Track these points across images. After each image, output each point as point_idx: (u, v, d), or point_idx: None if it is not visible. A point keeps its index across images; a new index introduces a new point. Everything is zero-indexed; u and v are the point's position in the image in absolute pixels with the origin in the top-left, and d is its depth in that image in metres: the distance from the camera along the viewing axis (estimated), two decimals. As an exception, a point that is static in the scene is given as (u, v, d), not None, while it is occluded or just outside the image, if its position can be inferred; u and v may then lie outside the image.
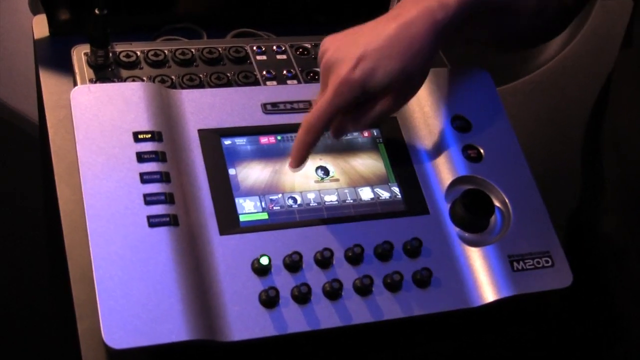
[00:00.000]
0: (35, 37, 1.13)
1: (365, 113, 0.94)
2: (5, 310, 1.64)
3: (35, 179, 1.41)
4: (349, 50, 0.91)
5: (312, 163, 0.97)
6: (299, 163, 0.95)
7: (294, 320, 0.87)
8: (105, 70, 1.03)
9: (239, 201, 0.93)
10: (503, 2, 0.97)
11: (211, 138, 0.95)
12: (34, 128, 1.47)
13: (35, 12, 1.17)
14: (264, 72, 1.08)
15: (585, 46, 1.72)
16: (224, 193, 0.92)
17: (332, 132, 0.95)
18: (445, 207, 0.97)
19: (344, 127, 0.95)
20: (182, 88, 1.03)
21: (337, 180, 0.97)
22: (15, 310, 1.64)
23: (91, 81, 1.02)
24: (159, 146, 0.91)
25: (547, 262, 0.95)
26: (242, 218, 0.92)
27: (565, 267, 0.96)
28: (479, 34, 1.01)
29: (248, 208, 0.93)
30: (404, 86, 0.93)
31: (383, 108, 0.93)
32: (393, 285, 0.90)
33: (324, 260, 0.90)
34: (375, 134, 1.02)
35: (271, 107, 0.99)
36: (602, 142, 1.04)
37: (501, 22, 0.99)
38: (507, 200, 0.98)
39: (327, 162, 0.98)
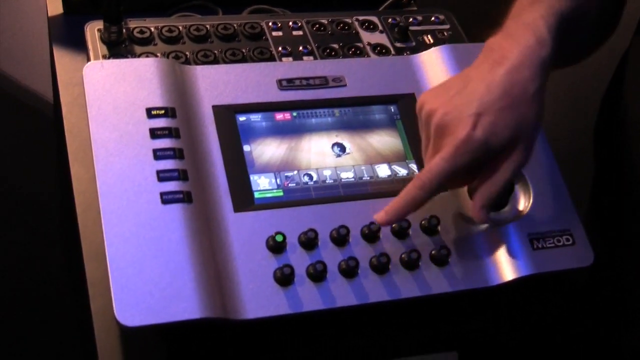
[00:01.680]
0: (49, 15, 1.12)
1: (497, 170, 0.88)
2: (19, 290, 1.64)
3: (50, 158, 1.41)
4: (463, 107, 0.86)
5: (328, 140, 0.96)
6: (393, 220, 0.89)
7: (309, 298, 0.86)
8: (119, 47, 1.02)
9: (254, 178, 0.92)
10: (577, 12, 0.93)
11: (226, 114, 0.94)
12: (49, 107, 1.47)
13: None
14: (280, 48, 1.07)
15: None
16: (239, 170, 0.91)
17: (476, 213, 0.89)
18: (463, 184, 0.95)
19: (485, 196, 0.88)
20: (197, 64, 1.02)
21: (353, 157, 0.96)
22: (29, 290, 1.64)
23: (105, 57, 1.01)
24: (173, 122, 0.90)
25: (567, 240, 0.94)
26: (256, 195, 0.91)
27: (586, 246, 0.94)
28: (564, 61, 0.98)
29: (263, 185, 0.92)
30: (526, 137, 0.88)
31: (516, 162, 0.87)
32: (410, 263, 0.89)
33: (340, 238, 0.89)
34: (392, 110, 1.00)
35: (287, 83, 0.98)
36: (618, 122, 1.03)
37: (572, 37, 0.95)
38: (526, 178, 0.96)
39: (343, 138, 0.97)
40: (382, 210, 0.88)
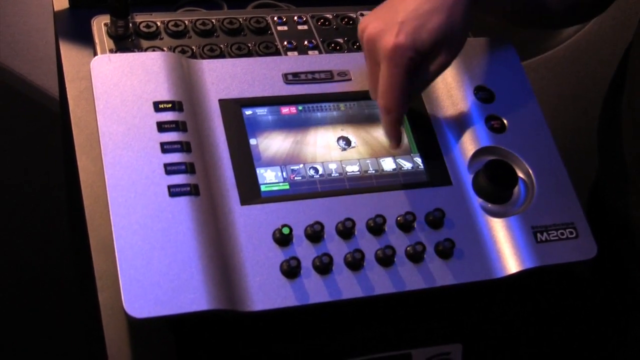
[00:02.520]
0: (55, 10, 1.13)
1: (424, 72, 0.93)
2: (26, 283, 1.65)
3: (56, 153, 1.42)
4: (388, 19, 0.91)
5: (333, 134, 0.97)
6: (397, 141, 0.95)
7: (315, 290, 0.86)
8: (126, 41, 1.03)
9: (260, 171, 0.92)
10: None
11: (232, 108, 0.95)
12: (54, 103, 1.48)
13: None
14: (285, 43, 1.07)
15: (609, 21, 1.70)
16: (245, 163, 0.92)
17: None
18: (468, 178, 0.96)
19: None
20: (203, 58, 1.02)
21: (358, 150, 0.97)
22: (36, 283, 1.65)
23: (111, 51, 1.02)
24: (180, 116, 0.91)
25: (571, 233, 0.95)
26: (263, 188, 0.91)
27: (590, 239, 0.95)
28: (514, 4, 1.00)
29: (269, 178, 0.92)
30: (450, 39, 0.92)
31: (440, 63, 0.93)
32: (415, 256, 0.90)
33: (346, 231, 0.89)
34: (397, 104, 1.00)
35: (292, 77, 0.99)
36: (620, 117, 1.03)
37: None
38: (530, 171, 0.97)
39: (348, 132, 0.98)
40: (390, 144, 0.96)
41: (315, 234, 0.89)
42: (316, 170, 0.94)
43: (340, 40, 1.09)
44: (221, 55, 1.04)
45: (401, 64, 0.90)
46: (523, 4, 1.02)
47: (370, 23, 0.92)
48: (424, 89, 0.97)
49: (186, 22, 1.06)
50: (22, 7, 1.58)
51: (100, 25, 1.04)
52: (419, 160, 0.97)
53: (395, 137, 0.95)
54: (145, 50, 1.02)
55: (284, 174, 0.93)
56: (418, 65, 0.91)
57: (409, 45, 0.89)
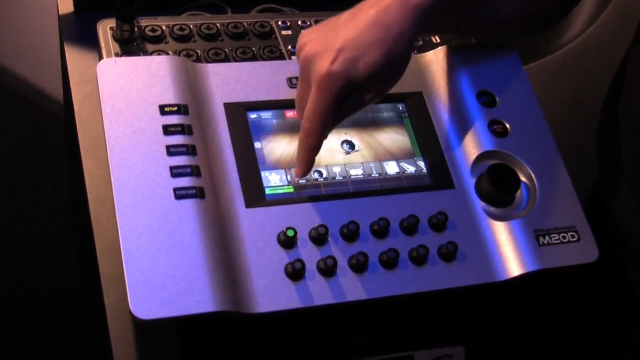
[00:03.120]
0: (60, 13, 1.14)
1: (354, 101, 0.91)
2: (31, 285, 1.65)
3: (59, 156, 1.42)
4: (327, 42, 0.89)
5: (337, 137, 0.98)
6: (305, 172, 0.92)
7: (319, 292, 0.87)
8: (131, 45, 1.04)
9: (265, 174, 0.93)
10: None
11: (237, 111, 0.95)
12: (57, 106, 1.48)
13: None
14: (289, 47, 1.08)
15: (609, 25, 1.71)
16: (250, 166, 0.93)
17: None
18: (470, 181, 0.97)
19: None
20: (208, 62, 1.03)
21: (362, 154, 0.97)
22: (41, 285, 1.65)
23: (117, 55, 1.02)
24: (185, 119, 0.92)
25: (573, 236, 0.95)
26: (267, 191, 0.92)
27: (591, 242, 0.96)
28: (466, 20, 1.00)
29: (274, 181, 0.93)
30: (387, 73, 0.91)
31: (372, 96, 0.91)
32: (418, 258, 0.91)
33: (350, 234, 0.90)
34: (400, 108, 1.01)
35: (297, 81, 0.98)
36: (619, 122, 1.04)
37: (492, 7, 0.98)
38: (532, 175, 0.98)
39: (352, 136, 0.98)
40: (296, 168, 0.92)
41: (319, 237, 0.89)
42: (320, 174, 0.95)
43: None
44: (226, 59, 1.05)
45: (331, 91, 0.87)
46: (474, 20, 1.00)
47: (309, 42, 0.90)
48: (349, 116, 0.93)
49: (191, 26, 1.07)
50: (26, 9, 1.58)
51: (105, 29, 1.04)
52: (422, 163, 0.98)
53: (306, 163, 0.92)
54: (151, 54, 1.03)
55: (288, 177, 0.94)
56: (349, 94, 0.90)
57: (342, 75, 0.87)
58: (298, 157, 0.92)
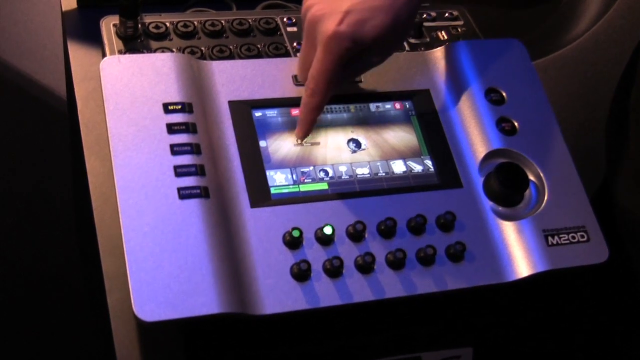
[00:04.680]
0: (63, 9, 1.13)
1: (357, 67, 0.94)
2: (34, 285, 1.65)
3: (62, 153, 1.42)
4: (334, 5, 0.89)
5: (343, 135, 0.97)
6: (306, 133, 0.94)
7: (326, 294, 0.86)
8: (135, 42, 1.03)
9: (270, 173, 0.92)
10: None
11: (242, 110, 0.95)
12: (61, 103, 1.48)
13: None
14: (295, 44, 1.07)
15: (618, 20, 1.70)
16: (255, 165, 0.92)
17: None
18: (479, 180, 0.96)
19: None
20: (212, 59, 1.02)
21: (369, 152, 0.96)
22: (45, 285, 1.65)
23: (120, 52, 1.02)
24: (190, 117, 0.91)
25: (582, 236, 0.94)
26: (273, 190, 0.91)
27: (601, 242, 0.95)
28: None
29: (279, 180, 0.92)
30: (393, 37, 0.92)
31: (376, 59, 0.94)
32: (426, 259, 0.90)
33: (356, 234, 0.89)
34: (407, 106, 1.01)
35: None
36: (628, 117, 1.03)
37: None
38: (541, 174, 0.97)
39: (359, 134, 0.97)
40: (297, 129, 0.94)
41: (325, 237, 0.88)
42: (326, 173, 0.94)
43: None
44: (230, 57, 1.04)
45: (337, 52, 0.89)
46: None
47: (316, 4, 0.91)
48: (353, 79, 0.98)
49: (195, 22, 1.06)
50: (29, 5, 1.58)
51: (109, 25, 1.04)
52: (429, 162, 0.97)
53: (308, 123, 0.93)
54: (155, 51, 1.02)
55: (294, 176, 0.93)
56: (353, 56, 0.91)
57: (349, 36, 0.88)
58: (300, 117, 0.93)
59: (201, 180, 0.88)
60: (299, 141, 0.95)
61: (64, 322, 1.62)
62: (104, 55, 1.03)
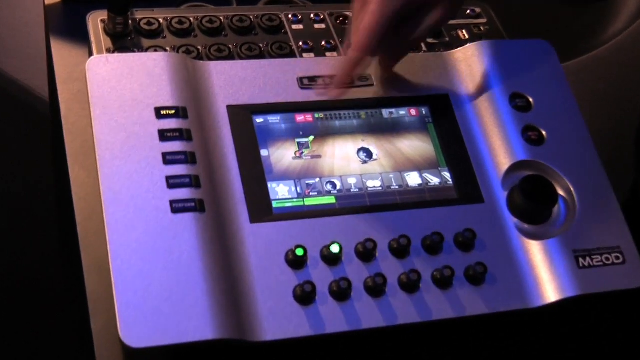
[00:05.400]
0: (47, 3, 1.13)
1: (415, 26, 0.95)
2: (16, 303, 1.65)
3: (47, 158, 1.42)
4: None
5: (353, 144, 0.97)
6: (343, 84, 0.97)
7: (332, 318, 0.86)
8: (125, 40, 1.03)
9: (272, 186, 0.92)
10: None
11: (242, 115, 0.95)
12: (45, 104, 1.48)
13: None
14: (300, 43, 1.07)
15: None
16: (256, 176, 0.92)
17: (383, 61, 0.98)
18: (502, 195, 0.96)
19: (396, 50, 0.98)
20: (210, 60, 1.03)
21: (381, 163, 0.96)
22: (26, 304, 1.65)
23: (109, 51, 1.02)
24: (184, 123, 0.91)
25: (617, 258, 0.94)
26: (275, 204, 0.91)
27: (638, 265, 0.95)
28: None
29: (282, 193, 0.92)
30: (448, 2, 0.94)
31: (435, 18, 0.95)
32: (443, 281, 0.90)
33: (366, 253, 0.89)
34: (423, 112, 1.01)
35: (308, 82, 0.99)
36: None
37: None
38: (571, 188, 0.97)
39: (370, 143, 0.97)
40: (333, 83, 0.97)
41: (332, 256, 0.88)
42: (334, 185, 0.94)
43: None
44: (230, 57, 1.04)
45: (391, 6, 0.91)
46: None
47: None
48: (409, 48, 1.00)
49: (191, 19, 1.06)
50: (12, 2, 1.59)
51: (96, 21, 1.04)
52: (447, 175, 0.97)
53: (345, 77, 0.96)
54: (146, 50, 1.03)
55: (298, 188, 0.93)
56: (408, 15, 0.93)
57: None
58: (338, 72, 0.96)
59: (196, 193, 0.88)
60: (334, 94, 0.97)
61: (47, 347, 1.62)
62: (90, 54, 1.03)
